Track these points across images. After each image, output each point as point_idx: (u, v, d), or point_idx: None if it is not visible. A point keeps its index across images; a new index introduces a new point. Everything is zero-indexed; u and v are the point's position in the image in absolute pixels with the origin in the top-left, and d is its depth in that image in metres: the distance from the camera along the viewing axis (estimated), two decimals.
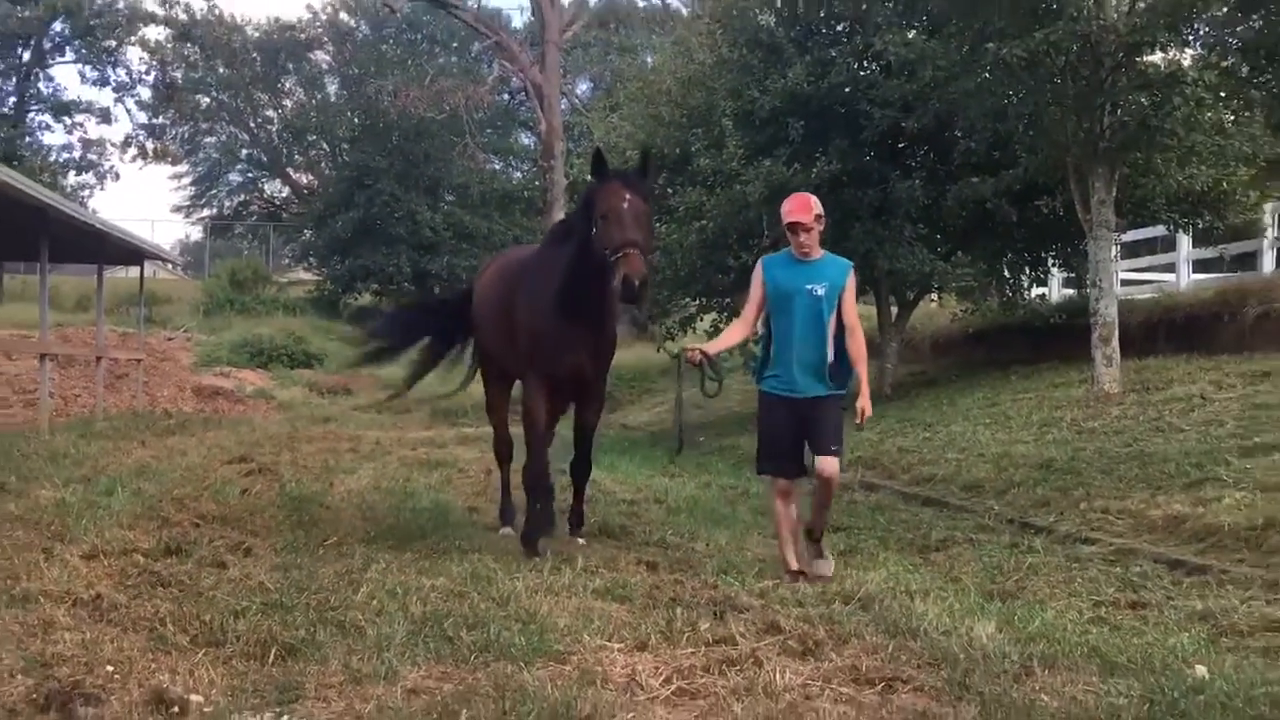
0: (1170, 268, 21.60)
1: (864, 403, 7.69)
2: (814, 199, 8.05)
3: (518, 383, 9.81)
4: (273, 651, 5.29)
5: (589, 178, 8.59)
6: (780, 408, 7.84)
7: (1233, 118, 16.06)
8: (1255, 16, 10.50)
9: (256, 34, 55.60)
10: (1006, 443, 12.65)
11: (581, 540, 9.07)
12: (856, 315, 7.92)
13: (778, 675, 5.05)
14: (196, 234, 59.97)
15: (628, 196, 8.00)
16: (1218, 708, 4.50)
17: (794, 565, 7.67)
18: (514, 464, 9.99)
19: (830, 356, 7.73)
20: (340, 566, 7.41)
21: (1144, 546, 8.28)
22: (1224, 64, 10.96)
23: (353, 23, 55.33)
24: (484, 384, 10.65)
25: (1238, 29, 11.25)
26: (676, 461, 15.60)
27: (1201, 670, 5.05)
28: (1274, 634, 5.78)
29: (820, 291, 7.71)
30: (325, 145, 54.37)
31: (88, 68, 51.81)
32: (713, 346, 8.48)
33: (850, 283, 7.91)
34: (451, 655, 5.31)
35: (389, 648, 5.35)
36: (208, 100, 56.41)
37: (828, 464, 7.69)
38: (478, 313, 10.06)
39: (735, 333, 8.77)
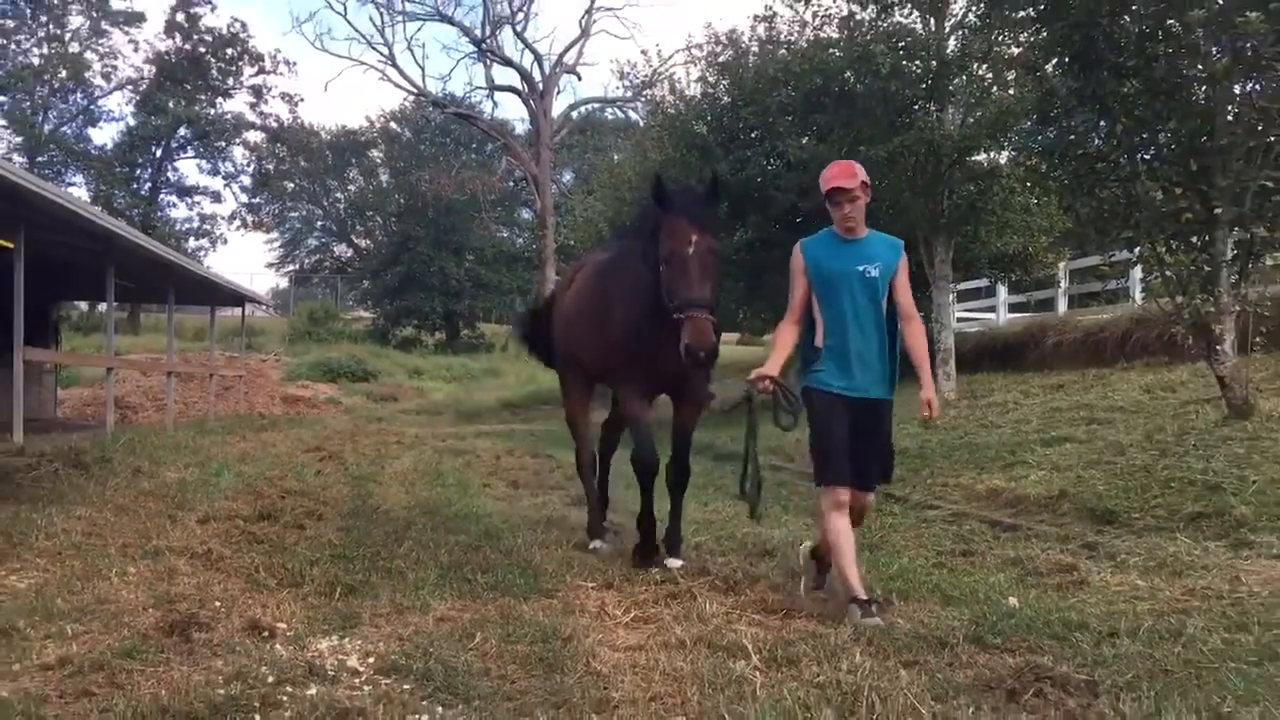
0: (992, 309, 21.79)
1: (929, 394, 5.25)
2: (858, 166, 5.34)
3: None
4: (338, 591, 5.28)
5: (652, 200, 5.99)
6: (839, 405, 5.11)
7: (1036, 201, 16.27)
8: (1050, 129, 10.62)
9: (329, 137, 55.52)
10: None
11: (678, 563, 6.07)
12: (912, 300, 5.34)
13: (707, 605, 5.05)
14: (284, 283, 59.49)
15: (694, 239, 5.55)
16: (1024, 627, 4.52)
17: (862, 593, 4.89)
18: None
19: (887, 349, 5.25)
20: (388, 528, 7.37)
21: (972, 511, 8.30)
22: (1029, 163, 11.05)
23: (399, 129, 55.22)
24: (564, 393, 7.75)
25: (1038, 137, 11.37)
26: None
27: (1013, 600, 5.05)
28: (1064, 574, 5.79)
29: (874, 273, 5.15)
30: (379, 218, 54.23)
31: (204, 161, 51.46)
32: (774, 366, 5.20)
33: (903, 263, 5.32)
34: (470, 593, 5.30)
35: (424, 587, 5.35)
36: (292, 185, 56.17)
37: (869, 498, 5.38)
38: (564, 317, 7.39)
39: (787, 336, 5.34)
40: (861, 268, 5.14)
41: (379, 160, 56.66)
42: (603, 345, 6.53)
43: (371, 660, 4.14)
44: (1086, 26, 9.00)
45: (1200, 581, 5.27)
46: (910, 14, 16.51)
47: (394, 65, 49.35)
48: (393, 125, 55.55)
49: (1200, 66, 8.59)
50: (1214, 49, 8.66)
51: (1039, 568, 6.04)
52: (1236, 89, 8.49)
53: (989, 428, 11.77)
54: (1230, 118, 8.40)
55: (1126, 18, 8.83)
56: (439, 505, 8.71)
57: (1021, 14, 11.11)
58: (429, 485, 10.34)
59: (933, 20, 16.14)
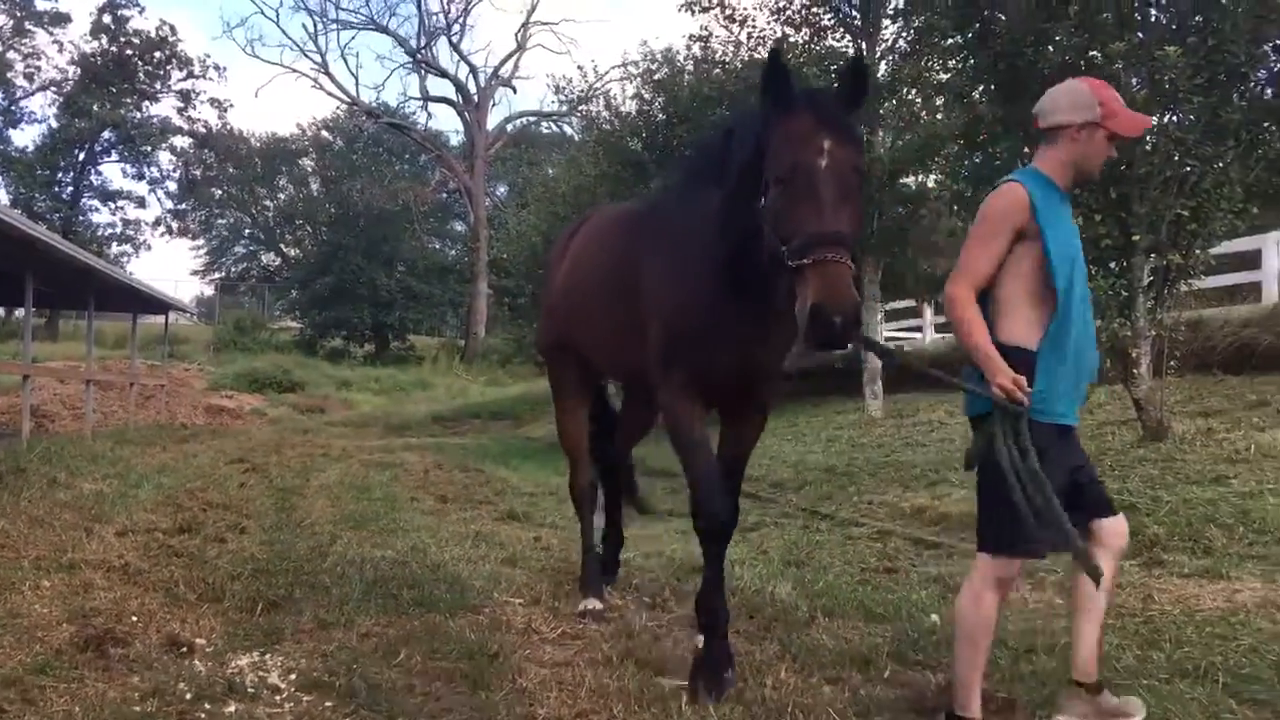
0: (919, 329, 22.14)
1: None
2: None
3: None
4: (260, 606, 5.18)
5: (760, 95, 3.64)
6: (1055, 442, 3.38)
7: (962, 224, 16.56)
8: (976, 155, 10.87)
9: (258, 144, 54.81)
10: (802, 453, 12.80)
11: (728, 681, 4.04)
12: None
13: (635, 621, 5.07)
14: (209, 291, 58.46)
15: (827, 146, 3.37)
16: (945, 644, 4.59)
17: (977, 712, 3.44)
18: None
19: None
20: (313, 542, 7.27)
21: (897, 528, 8.40)
22: (955, 186, 11.27)
23: (331, 138, 54.67)
24: (555, 395, 6.01)
25: (965, 163, 11.61)
26: None
27: (934, 617, 5.13)
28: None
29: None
30: (309, 227, 53.51)
31: (129, 166, 50.47)
32: (999, 364, 3.27)
33: None
34: (395, 608, 5.23)
35: (348, 603, 5.27)
36: (220, 192, 55.30)
37: (1124, 525, 3.67)
38: (562, 295, 5.55)
39: (982, 321, 3.37)
40: (1079, 241, 3.56)
41: (310, 169, 56.04)
42: (626, 327, 4.63)
43: (293, 677, 4.09)
44: (1012, 56, 9.21)
45: (1114, 599, 5.39)
46: (842, 38, 16.77)
47: (327, 73, 49.00)
48: (325, 134, 55.03)
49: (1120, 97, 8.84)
50: (1134, 80, 8.90)
51: (960, 584, 6.12)
52: (1155, 120, 8.73)
53: (914, 446, 11.94)
54: (1148, 148, 8.64)
55: (1050, 48, 9.04)
56: (365, 519, 8.61)
57: (949, 41, 11.35)
58: (355, 499, 10.21)
59: (864, 45, 16.41)
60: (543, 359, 6.21)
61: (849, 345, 3.28)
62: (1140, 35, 8.80)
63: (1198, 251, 8.91)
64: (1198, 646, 4.45)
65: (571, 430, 5.88)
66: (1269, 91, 9.09)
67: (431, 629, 4.79)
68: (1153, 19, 9.25)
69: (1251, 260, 13.87)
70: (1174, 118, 8.85)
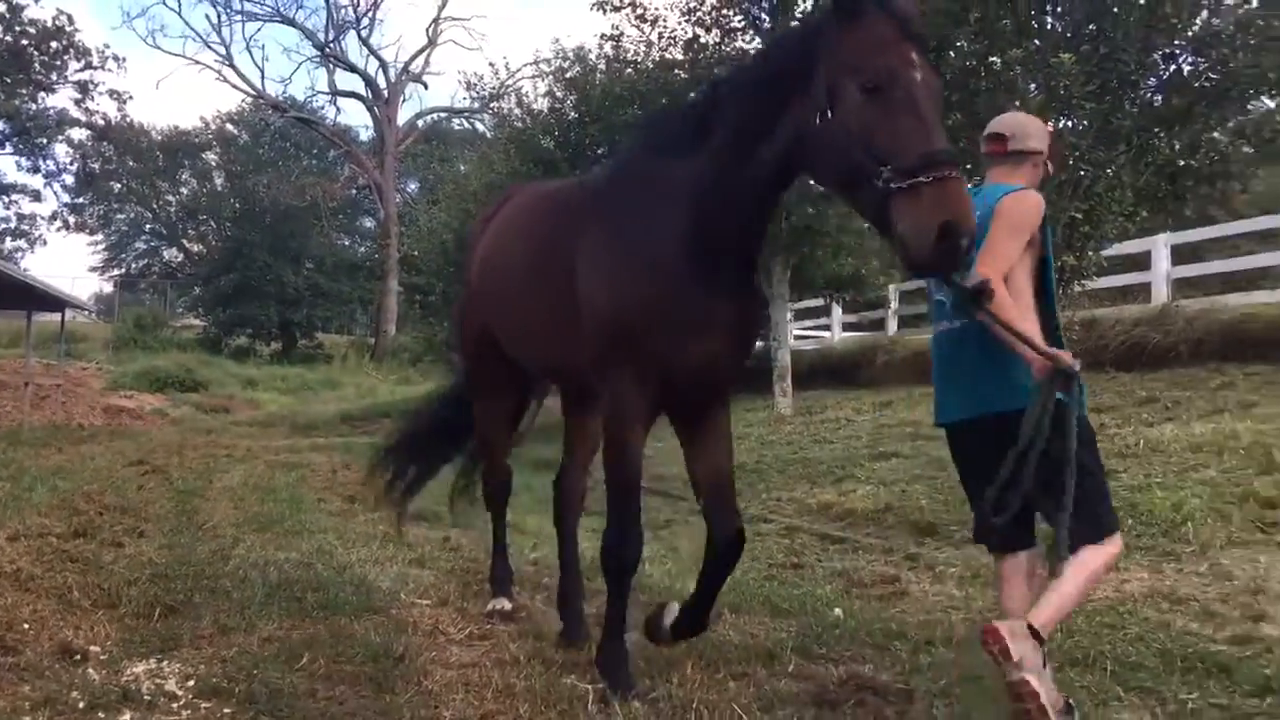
0: (827, 327, 22.47)
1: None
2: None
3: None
4: (157, 611, 5.03)
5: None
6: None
7: (868, 225, 16.85)
8: None
9: (160, 137, 53.27)
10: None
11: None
12: None
13: (544, 622, 5.06)
14: (109, 288, 56.78)
15: (918, 59, 3.13)
16: (848, 638, 4.69)
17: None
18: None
19: None
20: (214, 545, 7.10)
21: (804, 524, 8.53)
22: None
23: (236, 131, 53.47)
24: (474, 392, 5.44)
25: None
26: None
27: (838, 611, 5.22)
28: (887, 585, 6.02)
29: None
30: (213, 223, 52.24)
31: (23, 159, 48.73)
32: (1042, 344, 3.39)
33: None
34: (299, 611, 5.12)
35: (250, 607, 5.15)
36: (119, 186, 53.69)
37: None
38: (481, 281, 4.97)
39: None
40: None
41: (214, 163, 54.70)
42: (555, 318, 4.12)
43: (191, 684, 3.99)
44: None
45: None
46: (752, 40, 16.91)
47: (231, 66, 47.88)
48: (229, 127, 53.76)
49: (1018, 103, 9.07)
50: (1031, 86, 9.16)
51: (864, 579, 6.25)
52: (1050, 125, 8.99)
53: (822, 443, 12.12)
54: None
55: (951, 54, 9.26)
56: (270, 521, 8.44)
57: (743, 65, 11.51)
58: (260, 500, 10.01)
59: None
60: (457, 355, 5.54)
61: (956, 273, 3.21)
62: (1037, 42, 9.06)
63: (1090, 253, 9.20)
64: (1088, 636, 4.60)
65: (487, 427, 5.39)
66: (1158, 99, 9.43)
67: (336, 632, 4.71)
68: (1049, 27, 9.53)
69: (1142, 262, 14.35)
70: (1068, 123, 9.12)
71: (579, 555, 5.12)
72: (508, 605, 5.22)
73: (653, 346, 3.68)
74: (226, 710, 3.68)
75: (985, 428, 3.59)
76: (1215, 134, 9.54)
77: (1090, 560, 3.49)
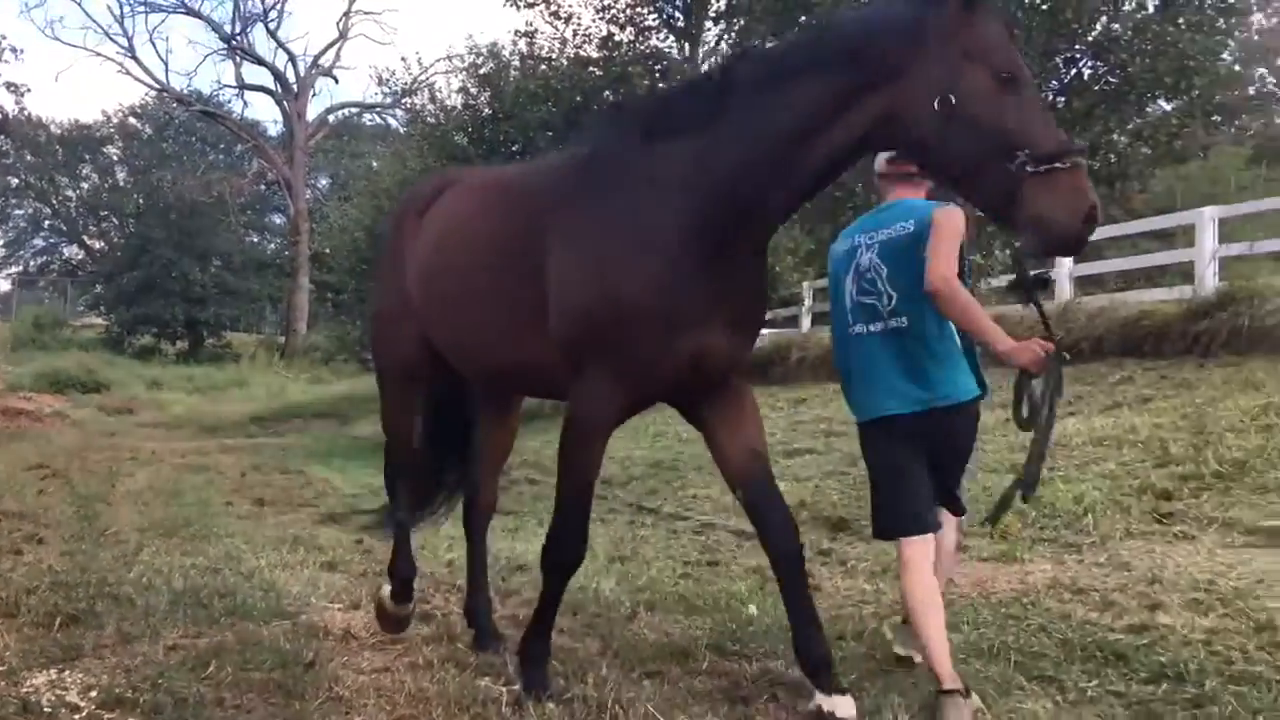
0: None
1: None
2: None
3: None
4: (58, 620, 4.89)
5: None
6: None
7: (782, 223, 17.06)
8: None
9: (59, 131, 51.63)
10: (630, 448, 12.91)
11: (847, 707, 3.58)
12: None
13: (458, 624, 5.03)
14: (5, 286, 54.96)
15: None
16: (761, 634, 4.75)
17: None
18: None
19: None
20: (117, 551, 6.93)
21: (720, 521, 8.57)
22: None
23: (139, 125, 52.08)
24: (383, 384, 5.00)
25: None
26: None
27: (753, 609, 5.27)
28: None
29: None
30: (115, 219, 50.84)
31: None
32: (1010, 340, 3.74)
33: None
34: (206, 618, 5.03)
35: (154, 614, 5.04)
36: (16, 181, 51.95)
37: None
38: (427, 285, 4.41)
39: None
40: None
41: (116, 157, 53.25)
42: (517, 317, 3.87)
43: (94, 694, 3.89)
44: None
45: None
46: (666, 38, 17.03)
47: (134, 58, 46.73)
48: (132, 121, 52.38)
49: None
50: None
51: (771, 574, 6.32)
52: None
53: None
54: None
55: None
56: (176, 526, 8.26)
57: (770, 44, 11.65)
58: (165, 504, 9.79)
59: (687, 45, 16.69)
60: (387, 372, 4.97)
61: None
62: None
63: (996, 252, 9.43)
64: (993, 627, 4.72)
65: (403, 418, 4.87)
66: (1060, 101, 9.69)
67: (244, 639, 4.63)
68: None
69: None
70: None
71: (488, 560, 5.06)
72: (395, 601, 4.74)
73: (640, 341, 3.49)
74: None
75: (924, 421, 3.86)
76: (1115, 136, 9.85)
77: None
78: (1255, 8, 29.71)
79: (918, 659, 4.01)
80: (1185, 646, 4.31)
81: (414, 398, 4.83)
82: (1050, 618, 4.84)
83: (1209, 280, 11.65)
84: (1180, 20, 9.76)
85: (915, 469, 3.89)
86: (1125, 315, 11.31)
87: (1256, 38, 34.58)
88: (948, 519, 4.13)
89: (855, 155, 3.49)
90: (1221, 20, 11.70)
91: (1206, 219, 12.70)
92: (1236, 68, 31.94)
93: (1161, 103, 10.00)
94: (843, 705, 3.53)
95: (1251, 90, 34.92)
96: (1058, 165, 3.02)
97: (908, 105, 3.19)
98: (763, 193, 3.43)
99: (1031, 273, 3.57)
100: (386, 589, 4.79)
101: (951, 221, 3.85)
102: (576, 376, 3.65)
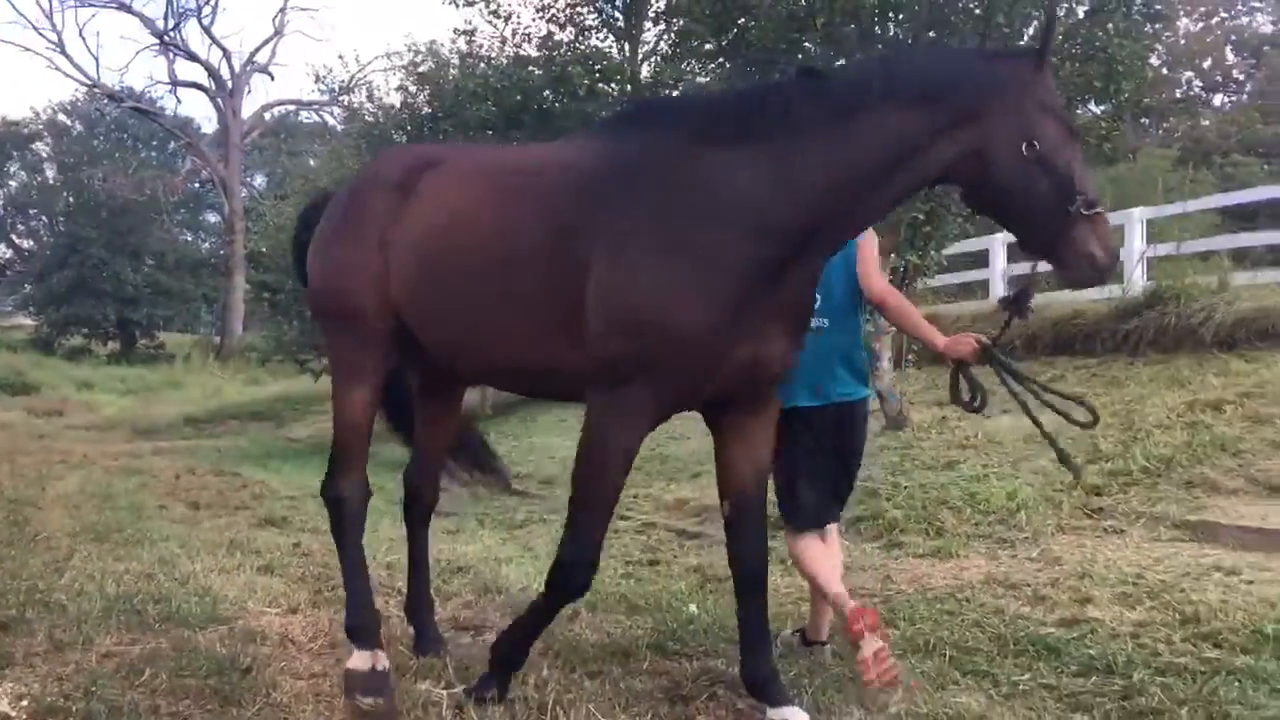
0: None
1: None
2: None
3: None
4: None
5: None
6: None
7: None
8: None
9: None
10: (571, 447, 12.73)
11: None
12: None
13: (397, 627, 5.00)
14: None
15: None
16: (702, 633, 4.78)
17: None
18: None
19: None
20: (48, 557, 6.79)
21: (661, 520, 8.62)
22: None
23: (69, 122, 50.95)
24: (341, 380, 4.31)
25: None
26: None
27: (694, 608, 5.31)
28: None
29: None
30: (44, 218, 49.76)
31: None
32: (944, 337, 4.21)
33: None
34: (140, 625, 4.95)
35: (87, 621, 4.95)
36: None
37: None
38: (419, 263, 3.98)
39: None
40: None
41: (45, 155, 52.03)
42: (534, 318, 3.68)
43: (25, 703, 3.82)
44: (765, 62, 9.63)
45: (857, 581, 5.73)
46: (606, 38, 17.03)
47: (63, 53, 45.77)
48: (62, 117, 51.21)
49: None
50: None
51: (719, 574, 6.34)
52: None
53: (679, 439, 12.24)
54: None
55: (800, 56, 9.50)
56: (108, 530, 8.10)
57: (708, 46, 11.72)
58: (98, 508, 9.59)
59: (627, 46, 16.72)
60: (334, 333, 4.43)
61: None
62: (880, 47, 9.37)
63: (932, 251, 9.57)
64: (929, 622, 4.80)
65: (363, 418, 4.26)
66: None
67: (179, 645, 4.56)
68: (891, 33, 9.85)
69: (981, 259, 14.97)
70: None
71: (429, 559, 4.96)
72: (368, 665, 3.95)
73: (699, 359, 3.44)
74: None
75: (823, 414, 4.25)
76: None
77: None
78: (1182, 13, 30.45)
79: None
80: (1114, 639, 4.42)
81: (375, 375, 4.24)
82: (984, 613, 4.94)
83: (1138, 280, 11.93)
84: (1109, 25, 9.97)
85: (819, 464, 4.25)
86: (1058, 314, 11.55)
87: (1183, 42, 35.46)
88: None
89: (930, 185, 3.71)
90: (1149, 25, 11.99)
91: (1135, 220, 13.01)
92: (1164, 71, 32.72)
93: (1091, 106, 10.21)
94: (794, 714, 3.60)
95: (1178, 93, 35.81)
96: (1098, 210, 3.35)
97: (995, 146, 3.36)
98: (846, 214, 3.46)
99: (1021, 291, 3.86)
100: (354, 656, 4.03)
101: (871, 244, 4.32)
102: (613, 385, 3.50)
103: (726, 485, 3.85)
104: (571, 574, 3.71)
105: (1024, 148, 3.32)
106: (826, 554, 4.22)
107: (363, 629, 4.08)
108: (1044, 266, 3.56)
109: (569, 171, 3.76)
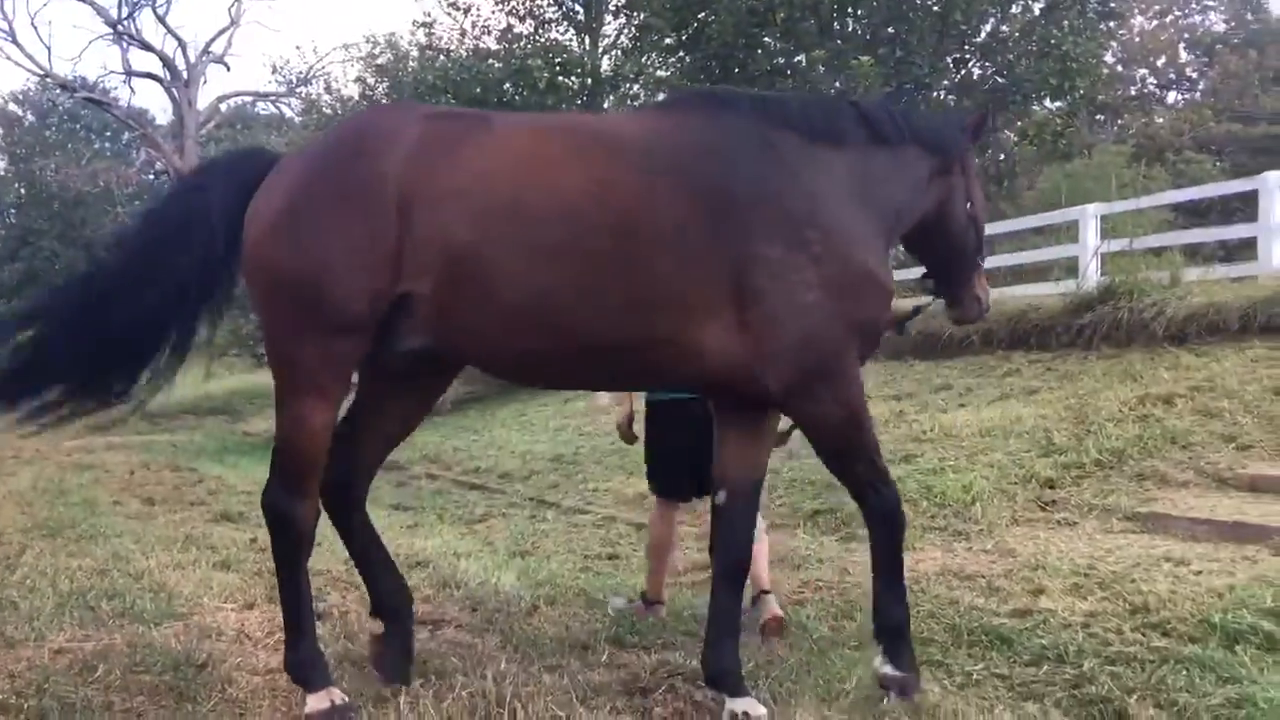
0: None
1: None
2: None
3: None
4: None
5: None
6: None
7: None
8: None
9: None
10: (530, 442, 12.92)
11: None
12: None
13: (356, 622, 4.98)
14: None
15: None
16: (660, 626, 4.80)
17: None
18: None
19: None
20: None
21: (621, 514, 8.64)
22: None
23: (20, 112, 50.05)
24: (300, 382, 3.56)
25: None
26: None
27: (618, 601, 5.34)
28: (700, 572, 6.16)
29: None
30: None
31: None
32: None
33: None
34: (93, 621, 4.90)
35: (39, 618, 4.88)
36: None
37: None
38: (453, 229, 3.39)
39: None
40: None
41: None
42: (659, 296, 3.47)
43: None
44: (723, 58, 9.67)
45: (815, 574, 5.79)
46: (566, 31, 17.00)
47: (14, 42, 44.79)
48: (13, 107, 50.27)
49: None
50: (834, 86, 9.52)
51: (676, 567, 6.39)
52: None
53: (639, 433, 12.30)
54: None
55: (759, 51, 9.55)
56: (61, 526, 8.00)
57: (668, 40, 11.74)
58: (50, 504, 9.47)
59: (587, 39, 16.70)
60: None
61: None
62: (839, 43, 9.44)
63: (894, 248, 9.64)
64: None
65: (323, 425, 3.61)
66: (950, 100, 9.96)
67: (133, 641, 4.52)
68: (850, 29, 9.92)
69: None
70: None
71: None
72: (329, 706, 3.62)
73: (877, 315, 3.77)
74: None
75: (698, 405, 4.47)
76: (1003, 134, 10.16)
77: None
78: (1136, 11, 30.85)
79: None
80: (1066, 629, 4.49)
81: (345, 377, 3.69)
82: (939, 604, 5.00)
83: (1092, 275, 12.08)
84: (1065, 23, 10.09)
85: (689, 447, 4.68)
86: (1013, 309, 11.68)
87: (1137, 39, 35.92)
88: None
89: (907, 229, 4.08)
90: (1104, 23, 12.15)
91: (1090, 215, 13.18)
92: (1119, 69, 33.14)
93: (1047, 102, 10.34)
94: (752, 706, 3.60)
95: (1133, 90, 36.30)
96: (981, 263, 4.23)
97: (955, 199, 4.07)
98: (904, 225, 4.01)
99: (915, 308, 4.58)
100: None
101: None
102: (846, 370, 3.65)
103: (725, 473, 3.84)
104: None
105: (968, 205, 4.09)
106: (670, 533, 5.23)
107: (311, 667, 3.69)
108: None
109: (687, 155, 3.60)
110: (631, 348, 3.55)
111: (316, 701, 3.59)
